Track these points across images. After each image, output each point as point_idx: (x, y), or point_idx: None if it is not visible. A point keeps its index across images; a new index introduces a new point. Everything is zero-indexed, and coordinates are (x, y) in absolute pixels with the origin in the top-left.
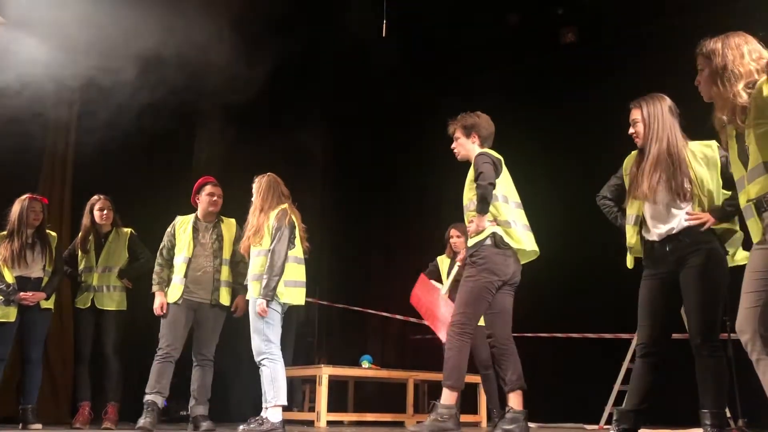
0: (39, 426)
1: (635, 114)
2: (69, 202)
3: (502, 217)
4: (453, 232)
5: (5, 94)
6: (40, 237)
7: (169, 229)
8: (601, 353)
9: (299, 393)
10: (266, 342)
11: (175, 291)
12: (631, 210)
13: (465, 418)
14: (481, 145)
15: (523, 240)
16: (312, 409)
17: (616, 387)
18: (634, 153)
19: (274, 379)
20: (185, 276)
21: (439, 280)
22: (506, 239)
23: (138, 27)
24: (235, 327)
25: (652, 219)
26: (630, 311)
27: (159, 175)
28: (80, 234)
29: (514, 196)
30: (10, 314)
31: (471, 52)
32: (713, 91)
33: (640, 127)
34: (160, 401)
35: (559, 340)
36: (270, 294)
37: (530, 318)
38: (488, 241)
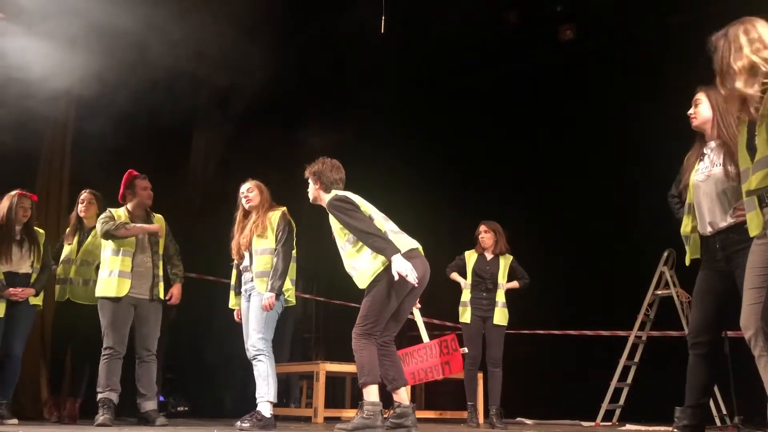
0: (15, 421)
1: (701, 96)
2: (66, 201)
3: (382, 230)
4: (482, 227)
5: (2, 90)
6: (27, 233)
7: (109, 214)
8: (599, 351)
9: (297, 389)
10: (263, 340)
11: (122, 286)
12: (689, 199)
13: (461, 414)
14: (326, 191)
15: (412, 242)
16: (309, 405)
17: (613, 384)
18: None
19: (268, 375)
20: (132, 271)
21: (463, 274)
22: (400, 244)
23: (137, 24)
24: (227, 326)
25: (707, 213)
26: (627, 309)
27: (157, 173)
28: (69, 228)
29: (377, 211)
30: None
31: (469, 50)
32: (721, 89)
33: (702, 109)
34: (114, 398)
35: (557, 338)
36: (278, 290)
37: (528, 316)
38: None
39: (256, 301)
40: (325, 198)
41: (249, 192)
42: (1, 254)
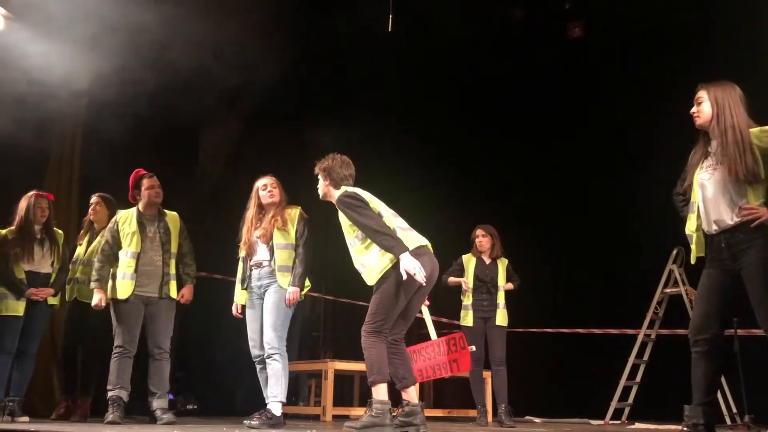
0: (26, 418)
1: (702, 94)
2: (77, 200)
3: (391, 227)
4: (479, 231)
5: (12, 90)
6: (48, 233)
7: (111, 225)
8: (608, 349)
9: (305, 387)
10: (280, 338)
11: (126, 288)
12: (694, 197)
13: (468, 413)
14: (336, 188)
15: (420, 239)
16: (318, 404)
17: (622, 382)
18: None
19: (282, 375)
20: (135, 272)
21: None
22: (407, 242)
23: (145, 25)
24: (236, 324)
25: (713, 211)
26: (636, 308)
27: (165, 172)
28: (82, 231)
29: (389, 210)
30: (19, 308)
31: (476, 49)
32: None
33: (705, 107)
34: (124, 396)
35: (565, 336)
36: (302, 286)
37: (536, 314)
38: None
39: (273, 297)
40: (335, 194)
41: (272, 187)
42: (23, 254)
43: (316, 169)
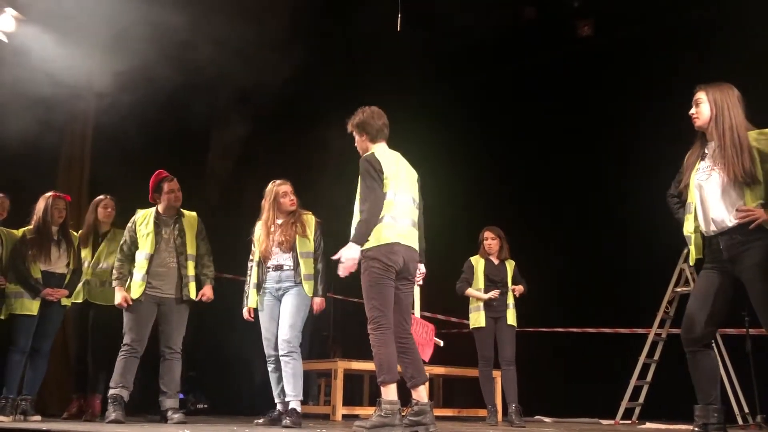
0: (38, 417)
1: (701, 95)
2: (86, 201)
3: (386, 213)
4: (487, 233)
5: (25, 91)
6: (64, 234)
7: (129, 225)
8: (618, 348)
9: (315, 387)
10: (298, 338)
11: (137, 288)
12: (690, 198)
13: (477, 412)
14: (373, 141)
15: (400, 235)
16: (327, 403)
17: (632, 382)
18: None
19: (300, 374)
20: (147, 272)
21: (472, 282)
22: (384, 235)
23: (157, 23)
24: (247, 324)
25: (711, 212)
26: (646, 307)
27: (174, 172)
28: (83, 231)
29: (406, 192)
30: (34, 308)
31: (486, 46)
32: None
33: (704, 108)
34: (125, 395)
35: (575, 335)
36: (325, 294)
37: (546, 313)
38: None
39: (296, 299)
40: (371, 149)
41: (292, 194)
42: (40, 254)
43: (349, 127)
